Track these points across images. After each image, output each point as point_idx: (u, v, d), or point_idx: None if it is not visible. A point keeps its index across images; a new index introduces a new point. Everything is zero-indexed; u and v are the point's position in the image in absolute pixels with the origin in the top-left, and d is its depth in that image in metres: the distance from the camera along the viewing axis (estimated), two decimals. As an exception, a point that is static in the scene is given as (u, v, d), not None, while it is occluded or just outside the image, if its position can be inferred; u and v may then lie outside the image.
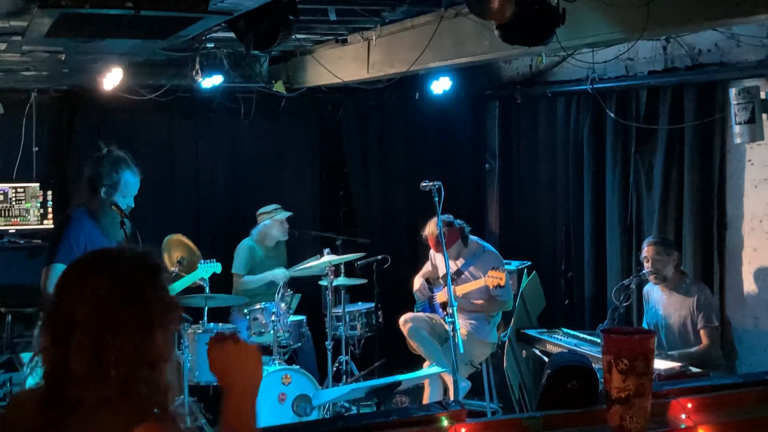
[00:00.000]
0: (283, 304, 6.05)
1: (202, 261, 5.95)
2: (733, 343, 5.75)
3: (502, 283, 5.75)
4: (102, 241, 4.14)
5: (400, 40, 5.54)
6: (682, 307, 5.28)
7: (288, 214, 7.03)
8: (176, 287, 4.69)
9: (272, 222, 6.97)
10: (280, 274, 6.78)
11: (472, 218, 6.34)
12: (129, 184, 4.23)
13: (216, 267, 6.00)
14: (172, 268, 6.04)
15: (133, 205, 4.27)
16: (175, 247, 6.33)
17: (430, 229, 6.02)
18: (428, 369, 5.91)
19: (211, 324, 6.17)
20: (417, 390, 6.05)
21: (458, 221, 6.17)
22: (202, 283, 6.03)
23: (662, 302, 5.39)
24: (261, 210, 7.05)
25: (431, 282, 6.43)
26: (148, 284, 1.82)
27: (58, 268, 3.93)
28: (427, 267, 6.47)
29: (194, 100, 7.17)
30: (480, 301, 6.07)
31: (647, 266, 5.33)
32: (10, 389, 4.86)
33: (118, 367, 1.72)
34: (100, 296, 1.75)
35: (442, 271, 6.08)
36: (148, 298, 1.79)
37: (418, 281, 6.46)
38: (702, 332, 5.20)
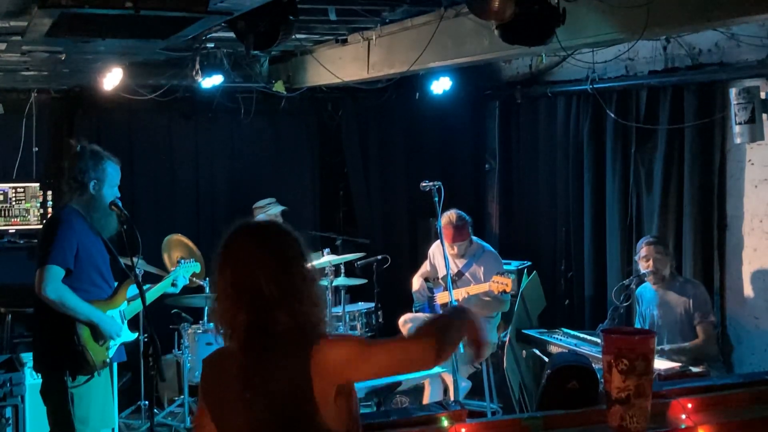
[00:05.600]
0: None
1: (182, 260, 5.34)
2: (731, 341, 5.76)
3: (509, 289, 5.69)
4: (93, 238, 4.15)
5: (400, 40, 5.53)
6: (677, 305, 5.28)
7: (282, 208, 7.04)
8: (152, 294, 4.56)
9: (266, 217, 6.98)
10: None
11: (472, 218, 6.32)
12: (114, 174, 4.24)
13: (195, 267, 5.36)
14: (172, 268, 5.98)
15: (119, 195, 4.25)
16: (175, 247, 6.31)
17: (448, 219, 5.96)
18: (428, 369, 5.88)
19: (211, 324, 6.14)
20: (417, 390, 6.04)
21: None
22: (202, 282, 6.00)
23: (657, 302, 5.39)
24: (256, 204, 7.07)
25: (430, 281, 6.41)
26: (293, 240, 2.40)
27: (53, 270, 3.95)
28: (425, 266, 6.43)
29: (194, 100, 7.17)
30: (479, 305, 6.04)
31: (646, 266, 5.33)
32: (10, 389, 4.84)
33: (297, 299, 2.29)
34: (273, 252, 2.39)
35: (441, 272, 6.06)
36: (297, 249, 2.38)
37: (417, 281, 6.43)
38: (698, 328, 5.21)
